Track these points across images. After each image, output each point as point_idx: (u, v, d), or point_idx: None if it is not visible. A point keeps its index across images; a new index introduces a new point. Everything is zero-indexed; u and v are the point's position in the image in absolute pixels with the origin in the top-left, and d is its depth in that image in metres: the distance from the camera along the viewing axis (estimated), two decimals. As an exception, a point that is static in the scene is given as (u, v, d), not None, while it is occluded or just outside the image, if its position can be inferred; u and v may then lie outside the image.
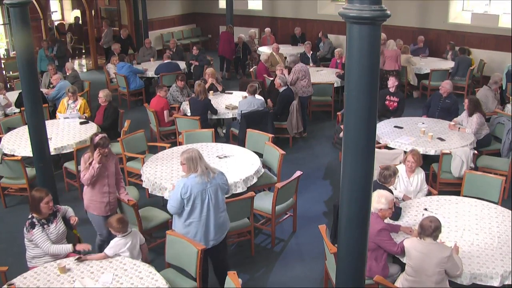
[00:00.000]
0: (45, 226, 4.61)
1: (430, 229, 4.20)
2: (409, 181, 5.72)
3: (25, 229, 4.59)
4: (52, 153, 6.51)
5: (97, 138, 5.12)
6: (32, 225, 4.54)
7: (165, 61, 11.49)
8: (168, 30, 16.99)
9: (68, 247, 4.60)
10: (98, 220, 5.30)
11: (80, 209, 6.85)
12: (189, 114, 8.54)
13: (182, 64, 12.27)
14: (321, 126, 9.96)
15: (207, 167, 4.65)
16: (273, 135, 7.26)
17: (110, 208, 5.30)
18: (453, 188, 6.47)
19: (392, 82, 8.43)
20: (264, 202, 5.91)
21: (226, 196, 4.92)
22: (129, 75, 10.98)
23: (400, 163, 6.11)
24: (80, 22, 16.42)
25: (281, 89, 8.71)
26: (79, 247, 4.63)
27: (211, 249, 4.71)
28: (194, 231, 4.62)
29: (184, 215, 4.62)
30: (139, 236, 4.74)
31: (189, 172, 4.61)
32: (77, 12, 17.38)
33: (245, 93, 8.77)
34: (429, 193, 5.80)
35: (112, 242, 4.52)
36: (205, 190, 4.58)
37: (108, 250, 4.48)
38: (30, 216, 4.61)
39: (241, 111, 8.17)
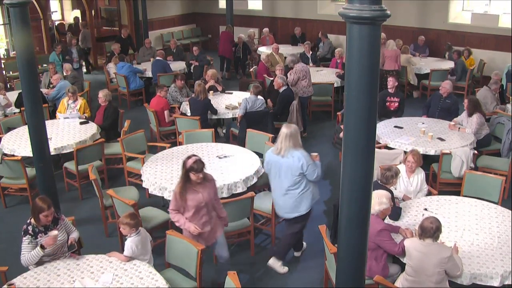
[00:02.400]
0: (40, 235, 4.41)
1: (432, 230, 4.20)
2: (409, 181, 5.73)
3: (22, 232, 4.51)
4: (52, 153, 6.51)
5: (190, 162, 4.45)
6: (25, 233, 4.41)
7: (157, 59, 11.48)
8: (168, 30, 16.99)
9: (38, 251, 4.33)
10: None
11: (80, 209, 6.89)
12: (189, 114, 8.54)
13: (182, 64, 12.28)
14: (321, 126, 9.96)
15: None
16: (273, 135, 7.25)
17: (214, 235, 4.80)
18: (453, 188, 6.47)
19: (392, 83, 8.43)
20: (264, 202, 5.91)
21: (226, 196, 4.96)
22: (129, 75, 10.98)
23: (400, 163, 6.11)
24: (80, 22, 16.40)
25: (281, 89, 8.71)
26: (47, 241, 4.32)
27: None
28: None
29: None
30: (148, 235, 4.67)
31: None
32: (77, 12, 17.37)
33: (246, 94, 8.74)
34: (429, 193, 5.80)
35: (128, 243, 4.42)
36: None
37: (127, 252, 4.40)
38: (28, 221, 4.46)
39: (246, 107, 8.16)
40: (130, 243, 4.41)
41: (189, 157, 4.52)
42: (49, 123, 7.37)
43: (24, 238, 4.40)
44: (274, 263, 5.45)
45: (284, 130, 5.07)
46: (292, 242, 5.46)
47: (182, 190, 4.53)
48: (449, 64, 11.71)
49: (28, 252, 4.37)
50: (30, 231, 4.40)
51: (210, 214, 4.70)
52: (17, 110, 8.84)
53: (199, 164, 4.45)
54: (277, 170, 5.15)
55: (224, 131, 9.24)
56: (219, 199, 4.93)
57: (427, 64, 11.78)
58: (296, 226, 5.30)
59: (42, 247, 4.33)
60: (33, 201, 4.52)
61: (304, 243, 5.84)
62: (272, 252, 5.57)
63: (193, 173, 4.45)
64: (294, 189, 5.12)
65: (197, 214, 4.60)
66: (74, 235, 4.69)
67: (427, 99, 9.32)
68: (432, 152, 6.83)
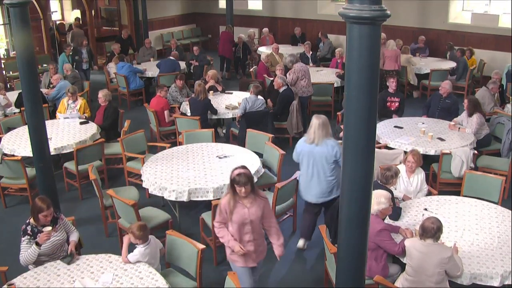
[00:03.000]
0: (39, 235, 4.39)
1: (433, 230, 4.19)
2: (409, 181, 5.73)
3: (21, 231, 4.50)
4: (52, 153, 6.51)
5: (234, 173, 4.17)
6: (24, 233, 4.41)
7: (169, 58, 11.56)
8: (168, 30, 16.98)
9: (34, 249, 4.32)
10: (241, 273, 4.39)
11: (80, 209, 6.89)
12: (189, 114, 8.54)
13: (182, 64, 12.28)
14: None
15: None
16: (273, 135, 7.26)
17: (257, 257, 4.50)
18: (453, 188, 6.46)
19: (395, 84, 8.44)
20: (264, 202, 5.89)
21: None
22: (129, 75, 10.99)
23: (400, 163, 6.11)
24: (73, 22, 16.44)
25: (281, 89, 8.71)
26: (41, 238, 4.30)
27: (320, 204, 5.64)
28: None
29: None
30: (158, 243, 4.62)
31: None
32: (77, 12, 17.37)
33: (246, 94, 8.75)
34: (429, 193, 5.80)
35: (136, 251, 4.39)
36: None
37: (131, 257, 4.38)
38: (27, 221, 4.46)
39: (245, 107, 8.17)
40: (137, 253, 4.38)
41: (235, 168, 4.23)
42: (49, 123, 7.37)
43: (23, 238, 4.40)
44: (303, 244, 5.86)
45: (316, 120, 5.38)
46: (313, 223, 5.80)
47: (228, 202, 4.26)
48: (449, 64, 11.70)
49: (25, 252, 4.36)
50: (29, 231, 4.40)
51: (255, 233, 4.34)
52: (17, 110, 8.84)
53: (243, 178, 4.11)
54: (311, 159, 5.45)
55: (224, 131, 9.24)
56: (275, 222, 4.51)
57: (427, 64, 11.78)
58: (335, 206, 5.42)
59: (38, 244, 4.33)
60: (32, 201, 4.52)
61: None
62: (303, 235, 5.88)
63: (237, 186, 4.17)
64: (329, 175, 5.44)
65: (240, 231, 4.30)
66: (74, 236, 4.68)
67: (427, 99, 9.32)
68: (432, 152, 6.83)
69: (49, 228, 4.35)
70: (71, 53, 12.15)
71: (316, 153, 5.40)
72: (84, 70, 12.36)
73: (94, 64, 12.57)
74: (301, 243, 5.84)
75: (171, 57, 11.79)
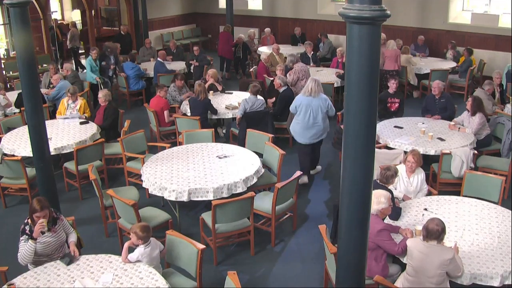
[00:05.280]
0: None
1: (437, 232, 4.18)
2: (409, 181, 5.73)
3: (20, 231, 4.49)
4: (52, 153, 6.51)
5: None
6: (22, 232, 4.42)
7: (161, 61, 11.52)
8: (168, 30, 16.99)
9: (30, 245, 4.32)
10: None
11: (80, 209, 6.89)
12: (189, 114, 8.54)
13: (182, 64, 12.28)
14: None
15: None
16: (273, 135, 7.26)
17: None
18: (453, 188, 6.46)
19: (394, 85, 8.44)
20: (264, 202, 5.91)
21: (226, 196, 4.91)
22: (134, 78, 11.01)
23: (400, 163, 6.11)
24: (71, 22, 16.47)
25: (281, 89, 8.71)
26: (35, 231, 4.30)
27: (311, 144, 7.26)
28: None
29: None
30: (159, 244, 4.60)
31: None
32: (77, 12, 17.38)
33: (246, 94, 8.75)
34: (429, 193, 5.80)
35: (137, 251, 4.40)
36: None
37: (131, 257, 4.38)
38: (25, 221, 4.47)
39: (245, 108, 8.17)
40: (137, 253, 4.39)
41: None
42: (49, 123, 7.36)
43: (21, 237, 4.41)
44: (303, 179, 7.27)
45: (313, 80, 7.14)
46: (318, 157, 7.67)
47: None
48: (449, 64, 11.70)
49: (21, 252, 4.37)
50: (27, 231, 4.42)
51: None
52: (17, 110, 8.83)
53: None
54: (309, 108, 7.06)
55: (224, 131, 9.24)
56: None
57: (427, 64, 11.77)
58: (319, 147, 7.50)
59: (33, 238, 4.33)
60: (31, 201, 4.53)
61: (319, 166, 7.85)
62: (304, 171, 7.28)
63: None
64: (321, 122, 7.12)
65: None
66: (73, 237, 4.68)
67: (423, 102, 9.20)
68: (432, 152, 6.82)
69: (41, 220, 4.33)
70: (97, 57, 11.04)
71: (314, 104, 7.04)
72: (110, 77, 11.36)
73: (119, 71, 11.36)
74: (305, 179, 7.33)
75: (158, 58, 11.57)
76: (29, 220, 4.45)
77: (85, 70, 12.72)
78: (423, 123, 7.78)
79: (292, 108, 7.24)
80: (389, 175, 5.22)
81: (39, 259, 4.45)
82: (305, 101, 7.04)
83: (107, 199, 5.95)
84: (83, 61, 15.05)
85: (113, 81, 11.60)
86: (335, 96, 10.30)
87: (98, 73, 10.86)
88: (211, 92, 9.38)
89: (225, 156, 6.53)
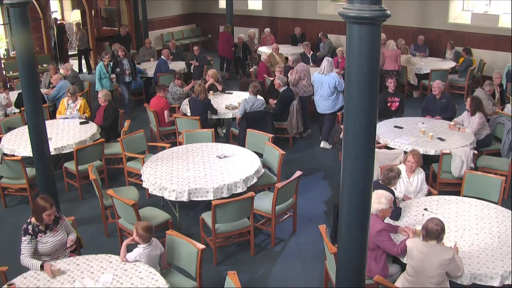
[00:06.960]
0: (40, 234, 4.42)
1: (437, 232, 4.18)
2: (409, 181, 5.72)
3: (22, 231, 4.50)
4: (52, 153, 6.50)
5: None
6: (25, 232, 4.41)
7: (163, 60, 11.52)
8: (168, 30, 16.99)
9: (37, 265, 4.29)
10: None
11: (80, 209, 6.89)
12: (189, 114, 8.54)
13: (182, 64, 12.28)
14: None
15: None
16: (273, 135, 7.26)
17: None
18: (453, 188, 6.46)
19: (392, 84, 8.44)
20: (264, 202, 5.91)
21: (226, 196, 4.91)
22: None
23: (400, 163, 6.11)
24: (75, 22, 16.46)
25: (281, 89, 8.71)
26: (47, 267, 4.24)
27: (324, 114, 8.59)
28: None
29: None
30: (159, 247, 4.59)
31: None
32: (77, 12, 17.38)
33: (246, 94, 8.75)
34: (429, 193, 5.80)
35: (135, 251, 4.40)
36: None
37: (129, 256, 4.38)
38: (28, 220, 4.46)
39: (245, 108, 8.17)
40: (136, 253, 4.39)
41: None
42: (49, 123, 7.36)
43: (23, 237, 4.40)
44: (324, 144, 8.71)
45: (327, 59, 8.42)
46: (331, 127, 8.66)
47: None
48: (449, 64, 11.70)
49: (28, 253, 4.37)
50: (30, 231, 4.41)
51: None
52: (17, 110, 8.83)
53: None
54: (320, 84, 8.40)
55: (224, 131, 9.24)
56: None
57: (427, 64, 11.77)
58: (333, 117, 8.53)
59: (42, 268, 4.28)
60: (34, 201, 4.51)
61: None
62: (322, 137, 8.75)
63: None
64: (331, 96, 8.34)
65: None
66: (72, 236, 4.68)
67: (423, 102, 9.22)
68: (432, 152, 6.82)
69: (59, 266, 4.29)
70: (110, 63, 10.28)
71: (324, 80, 8.32)
72: (127, 83, 10.46)
73: (136, 75, 10.58)
74: (324, 144, 8.71)
75: (162, 57, 11.69)
76: (33, 220, 4.44)
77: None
78: (423, 123, 7.78)
79: (312, 81, 8.79)
80: (392, 176, 5.22)
81: (40, 259, 4.45)
82: (318, 78, 8.43)
83: (107, 199, 5.95)
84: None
85: (130, 88, 10.66)
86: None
87: (109, 81, 10.26)
88: (211, 92, 9.38)
89: (225, 156, 6.53)
